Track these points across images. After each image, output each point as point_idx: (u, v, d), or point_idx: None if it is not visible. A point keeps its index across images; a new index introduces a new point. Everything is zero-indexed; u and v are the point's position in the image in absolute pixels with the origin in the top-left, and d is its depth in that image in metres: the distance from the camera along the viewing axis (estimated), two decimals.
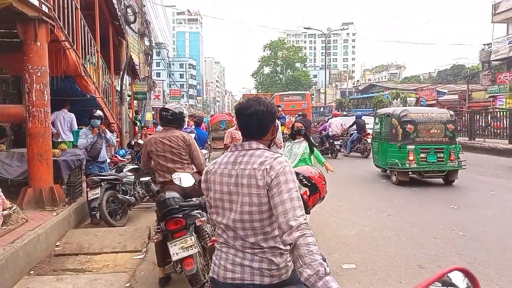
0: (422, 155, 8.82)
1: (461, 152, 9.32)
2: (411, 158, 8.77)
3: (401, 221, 6.15)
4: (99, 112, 7.05)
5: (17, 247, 4.12)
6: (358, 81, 76.35)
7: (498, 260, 4.42)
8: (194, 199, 3.53)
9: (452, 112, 9.79)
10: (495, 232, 5.47)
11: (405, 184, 8.94)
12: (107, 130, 7.28)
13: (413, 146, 8.84)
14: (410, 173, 9.12)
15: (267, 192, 1.68)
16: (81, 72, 7.73)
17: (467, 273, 0.92)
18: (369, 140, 13.17)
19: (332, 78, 70.25)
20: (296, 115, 15.77)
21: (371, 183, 9.66)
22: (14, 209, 4.93)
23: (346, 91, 57.17)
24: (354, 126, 15.14)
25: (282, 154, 2.19)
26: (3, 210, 4.67)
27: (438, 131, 8.93)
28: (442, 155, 8.82)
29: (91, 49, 8.79)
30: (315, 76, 79.50)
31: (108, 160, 7.54)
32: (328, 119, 17.88)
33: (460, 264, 3.51)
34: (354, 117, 16.42)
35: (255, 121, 1.81)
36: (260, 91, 59.28)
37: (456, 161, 8.91)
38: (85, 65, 7.98)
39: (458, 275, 0.92)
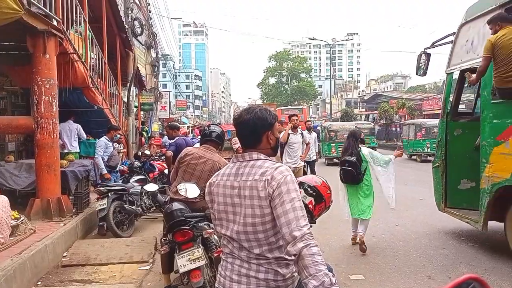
0: (340, 148, 13.01)
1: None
2: (333, 150, 16.46)
3: (409, 231, 6.10)
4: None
5: (25, 258, 4.13)
6: (363, 91, 76.18)
7: (510, 271, 4.36)
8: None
9: (356, 124, 18.40)
10: (505, 242, 5.39)
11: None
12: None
13: (334, 144, 16.44)
14: (334, 159, 15.68)
15: (270, 203, 1.66)
16: (89, 84, 7.81)
17: (481, 282, 0.90)
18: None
19: (337, 88, 70.26)
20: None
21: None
22: (22, 220, 4.96)
23: (351, 101, 57.13)
24: None
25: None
26: (12, 219, 4.69)
27: None
28: None
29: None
30: (320, 86, 79.61)
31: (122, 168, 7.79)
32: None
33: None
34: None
35: (245, 130, 1.82)
36: (265, 101, 59.45)
37: None
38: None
39: (472, 285, 0.90)
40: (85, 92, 7.99)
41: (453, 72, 5.90)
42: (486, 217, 4.85)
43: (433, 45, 6.38)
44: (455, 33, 5.81)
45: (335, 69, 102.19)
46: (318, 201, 2.32)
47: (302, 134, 7.58)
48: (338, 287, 1.47)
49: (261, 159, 1.78)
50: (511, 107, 4.50)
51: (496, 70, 4.47)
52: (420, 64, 6.46)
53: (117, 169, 7.54)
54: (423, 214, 7.19)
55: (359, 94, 64.00)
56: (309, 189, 2.37)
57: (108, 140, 7.35)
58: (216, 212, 1.84)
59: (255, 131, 1.81)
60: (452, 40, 5.84)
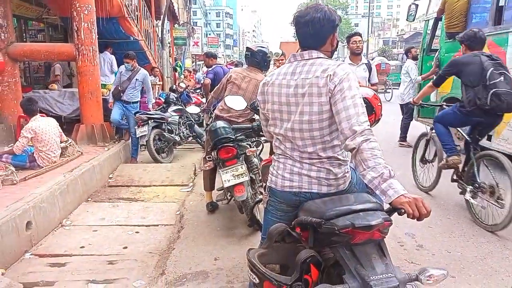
0: None
1: None
2: None
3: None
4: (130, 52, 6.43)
5: (76, 175, 4.39)
6: (402, 29, 72.18)
7: None
8: None
9: None
10: None
11: None
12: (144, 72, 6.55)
13: None
14: None
15: (329, 99, 1.62)
16: (125, 14, 7.75)
17: None
18: None
19: (375, 27, 66.77)
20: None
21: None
22: (70, 142, 5.21)
23: (389, 40, 54.42)
24: None
25: None
26: (61, 142, 4.93)
27: None
28: None
29: None
30: (356, 25, 75.75)
31: (153, 101, 7.08)
32: None
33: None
34: None
35: (311, 29, 1.72)
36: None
37: None
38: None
39: None
40: (121, 22, 7.95)
41: (429, 20, 7.69)
42: None
43: None
44: None
45: (373, 6, 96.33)
46: (369, 112, 2.27)
47: (369, 65, 4.94)
48: (397, 180, 1.45)
49: (321, 57, 1.72)
50: (453, 45, 6.10)
51: (445, 20, 6.47)
52: (410, 12, 8.14)
53: (126, 99, 6.16)
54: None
55: (397, 33, 60.67)
56: None
57: (126, 69, 6.21)
58: (271, 111, 1.82)
59: (321, 32, 1.73)
60: None
